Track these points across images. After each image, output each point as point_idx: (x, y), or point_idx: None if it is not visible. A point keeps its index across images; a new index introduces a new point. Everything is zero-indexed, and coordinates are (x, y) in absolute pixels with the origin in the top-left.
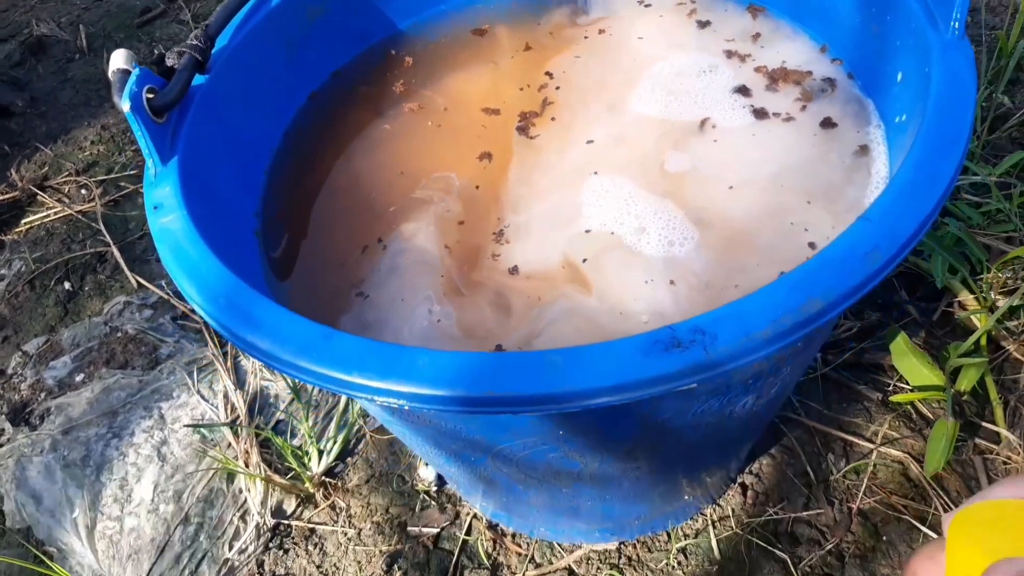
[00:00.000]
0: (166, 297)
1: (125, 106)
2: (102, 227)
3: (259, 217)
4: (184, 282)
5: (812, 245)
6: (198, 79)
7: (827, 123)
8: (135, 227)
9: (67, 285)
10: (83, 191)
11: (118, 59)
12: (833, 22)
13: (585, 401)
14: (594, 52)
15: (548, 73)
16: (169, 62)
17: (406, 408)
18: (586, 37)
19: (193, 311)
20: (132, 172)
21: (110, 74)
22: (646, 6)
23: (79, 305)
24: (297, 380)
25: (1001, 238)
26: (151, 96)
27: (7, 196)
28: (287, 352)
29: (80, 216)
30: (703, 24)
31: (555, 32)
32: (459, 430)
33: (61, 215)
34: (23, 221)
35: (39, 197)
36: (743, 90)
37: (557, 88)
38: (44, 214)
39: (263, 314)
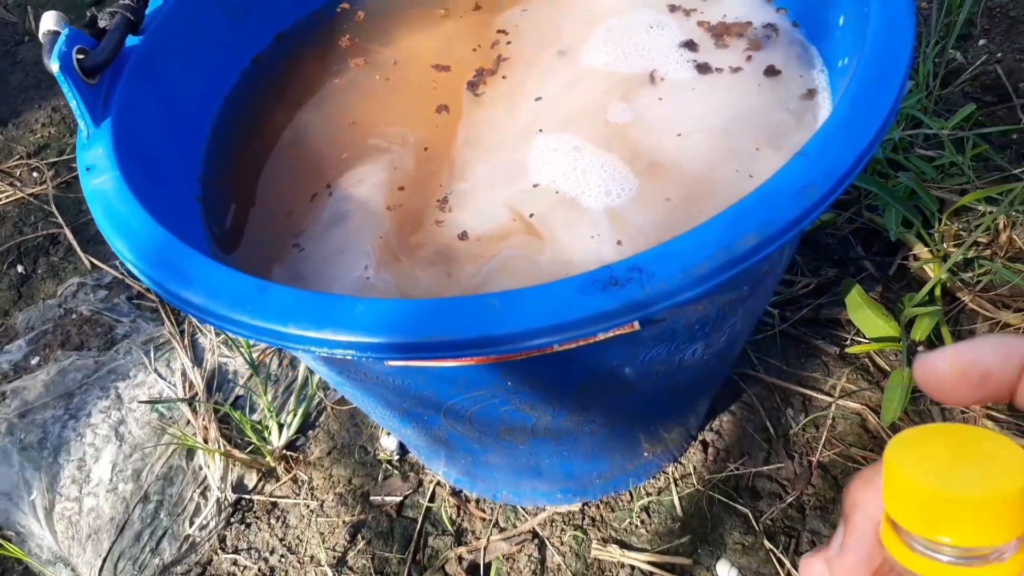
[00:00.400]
0: (120, 277)
1: (54, 67)
2: (54, 209)
3: (201, 183)
4: (116, 241)
5: None
6: (132, 40)
7: (772, 71)
8: (88, 209)
9: (20, 268)
10: (35, 174)
11: (48, 21)
12: None
13: (524, 343)
14: (544, 7)
15: (500, 31)
16: (102, 23)
17: (348, 359)
18: None
19: (148, 291)
20: None
21: (40, 36)
22: None
23: (32, 288)
24: (233, 335)
25: (955, 191)
26: (81, 57)
27: None
28: (221, 306)
29: (32, 199)
30: None
31: None
32: (408, 386)
33: (12, 199)
34: None
35: None
36: (690, 44)
37: (508, 44)
38: None
39: (196, 269)
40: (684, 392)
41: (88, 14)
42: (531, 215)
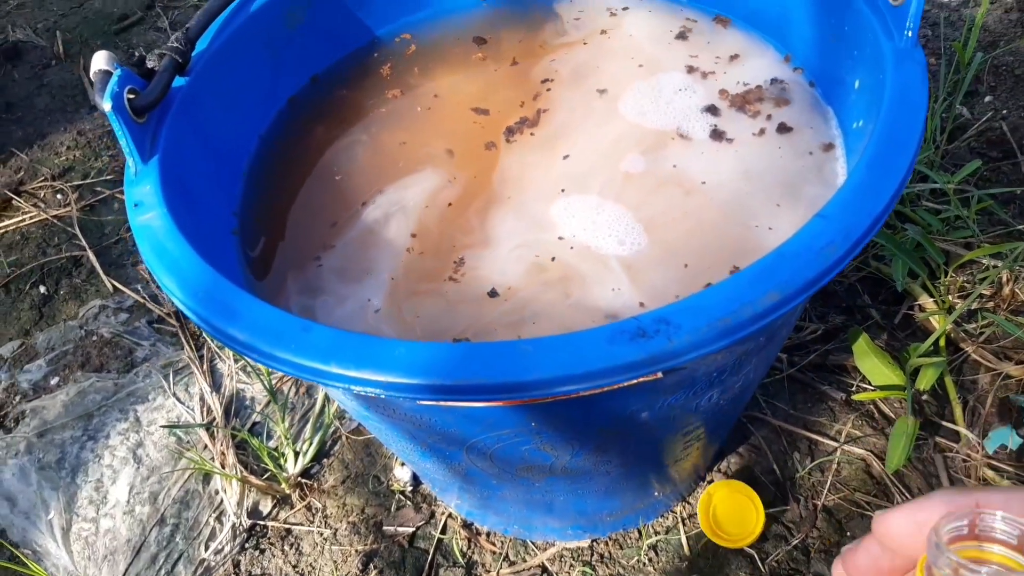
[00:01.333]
0: (142, 301)
1: (107, 106)
2: (78, 231)
3: (237, 216)
4: (164, 277)
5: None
6: (178, 81)
7: (788, 128)
8: (111, 232)
9: (42, 289)
10: (59, 196)
11: (99, 60)
12: (794, 33)
13: (554, 389)
14: (579, 65)
15: (544, 80)
16: (150, 64)
17: (382, 397)
18: (571, 46)
19: (169, 315)
20: (108, 177)
21: (91, 75)
22: (623, 9)
23: (54, 309)
24: (276, 371)
25: (960, 243)
26: (132, 97)
27: None
28: (266, 343)
29: (56, 221)
30: (681, 36)
31: (536, 43)
32: (434, 423)
33: (37, 220)
34: None
35: (14, 202)
36: (712, 109)
37: (548, 90)
38: (20, 219)
39: (242, 307)
40: (697, 435)
41: (136, 54)
42: (551, 262)
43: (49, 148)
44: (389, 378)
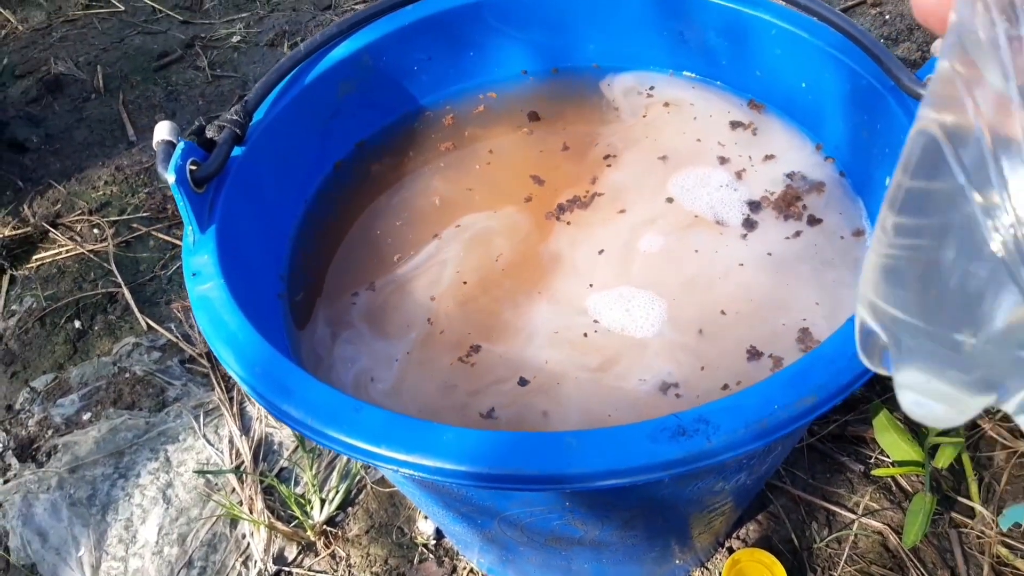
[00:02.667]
0: (175, 340)
1: (171, 178)
2: (113, 267)
3: (284, 281)
4: (222, 350)
5: (802, 338)
6: (235, 150)
7: (816, 220)
8: (146, 269)
9: (77, 324)
10: (95, 230)
11: (163, 131)
12: (827, 124)
13: (596, 482)
14: (630, 146)
15: (606, 156)
16: (209, 134)
17: (428, 480)
18: (623, 127)
19: (201, 355)
20: (145, 214)
21: (155, 144)
22: (660, 93)
23: (88, 344)
24: (327, 448)
25: None
26: (194, 168)
27: (19, 231)
28: (318, 422)
29: (92, 255)
30: (718, 120)
31: (586, 121)
32: (472, 498)
33: (73, 253)
34: (34, 257)
35: (51, 234)
36: (749, 202)
37: (608, 166)
38: (56, 251)
39: (297, 384)
40: (722, 510)
41: (196, 123)
42: (583, 339)
43: (87, 182)
44: (438, 463)
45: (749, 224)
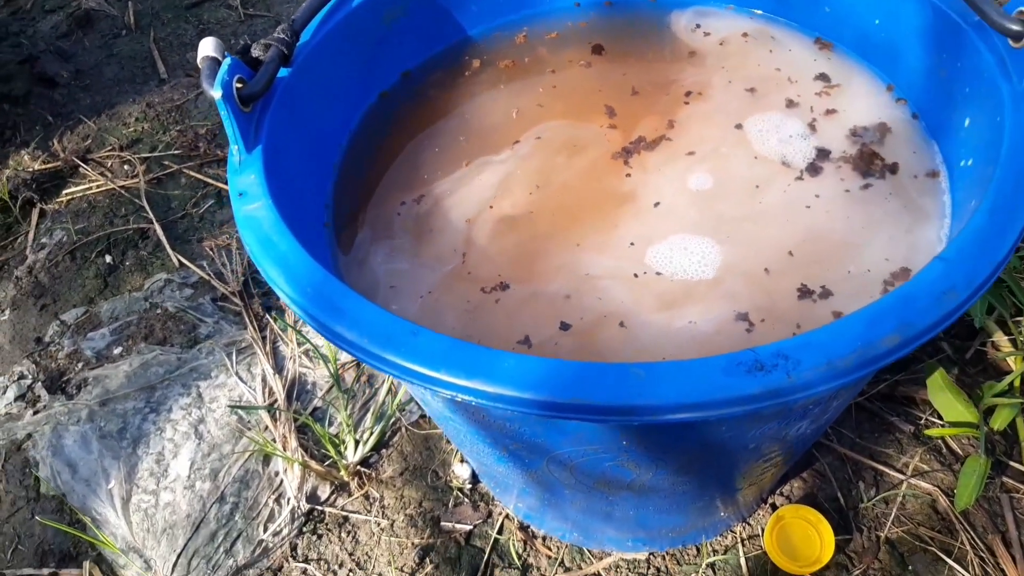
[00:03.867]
0: (207, 278)
1: (216, 93)
2: (145, 204)
3: (329, 209)
4: (271, 270)
5: (878, 279)
6: (281, 72)
7: (887, 164)
8: (177, 206)
9: (108, 258)
10: (126, 166)
11: (207, 47)
12: (901, 63)
13: (665, 416)
14: (695, 90)
15: (687, 92)
16: (255, 53)
17: (484, 406)
18: (692, 65)
19: (233, 294)
20: (176, 152)
21: (199, 61)
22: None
23: (119, 279)
24: (381, 372)
25: None
26: (240, 86)
27: (49, 166)
28: (374, 345)
29: (123, 191)
30: (782, 58)
31: (650, 57)
32: (523, 432)
33: (103, 188)
34: (64, 192)
35: (81, 169)
36: (820, 148)
37: (686, 104)
38: (86, 186)
39: (350, 306)
40: (776, 461)
41: (241, 42)
42: (635, 279)
43: (117, 118)
44: (499, 390)
45: (818, 168)
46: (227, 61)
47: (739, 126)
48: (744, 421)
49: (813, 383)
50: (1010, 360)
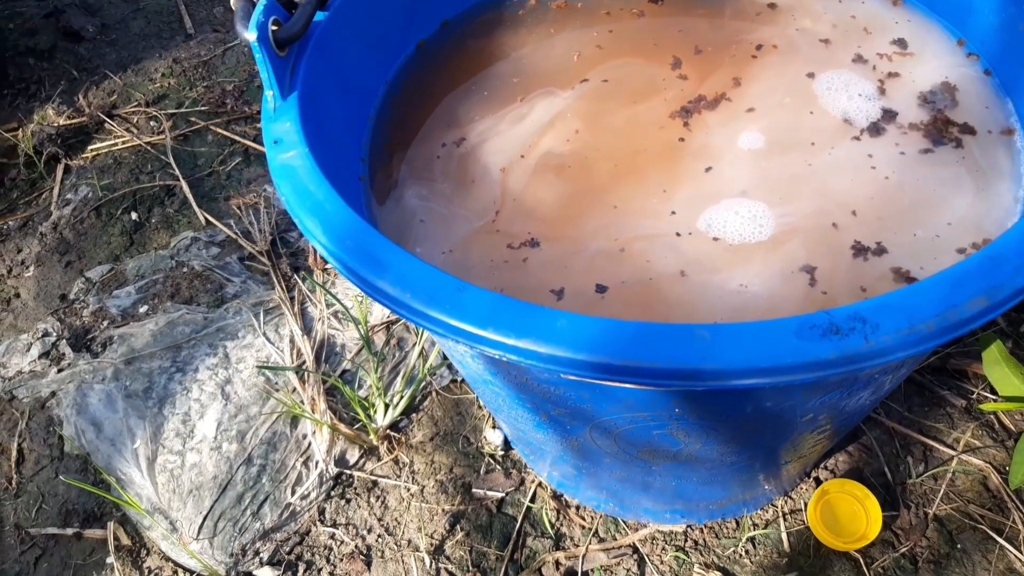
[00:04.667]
0: (234, 236)
1: (251, 36)
2: (171, 160)
3: (365, 163)
4: (308, 220)
5: (963, 248)
6: (317, 15)
7: (962, 125)
8: (203, 164)
9: (134, 215)
10: (152, 123)
11: None
12: (973, 17)
13: (731, 381)
14: (762, 41)
15: (757, 47)
16: None
17: (533, 367)
18: (757, 21)
19: (261, 253)
20: (203, 108)
21: (232, 2)
22: None
23: (145, 236)
24: (425, 330)
25: None
26: (275, 28)
27: (75, 121)
28: (418, 301)
29: (149, 148)
30: (853, 16)
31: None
32: (568, 397)
33: (129, 144)
34: (90, 147)
35: (107, 125)
36: (889, 107)
37: (755, 57)
38: (112, 142)
39: (393, 260)
40: (828, 433)
41: None
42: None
43: (143, 74)
44: (551, 350)
45: (882, 128)
46: (263, 1)
47: (810, 75)
48: (809, 388)
49: (892, 348)
50: None
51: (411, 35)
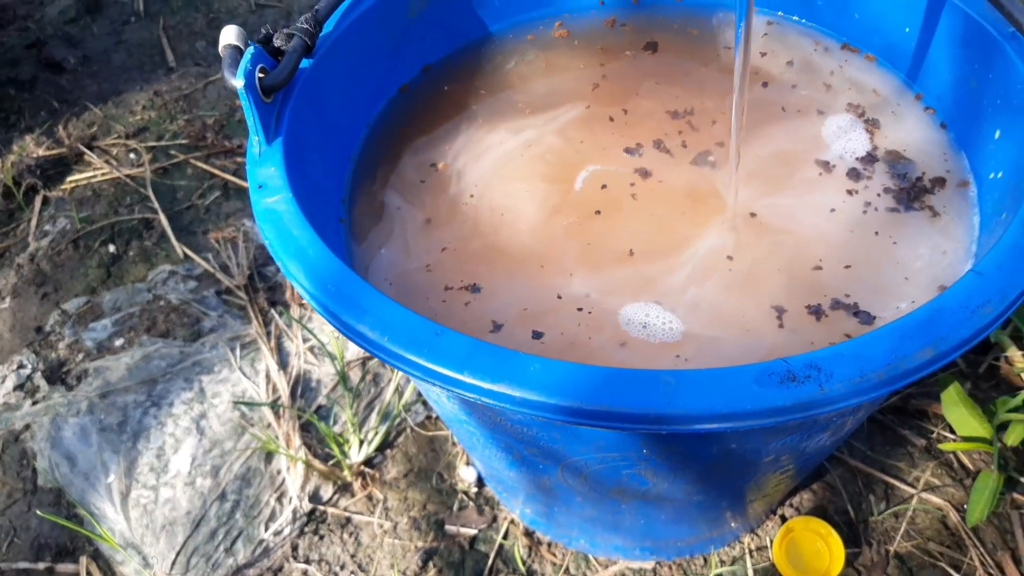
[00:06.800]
0: (211, 270)
1: (239, 83)
2: (150, 193)
3: (345, 204)
4: (291, 264)
5: (905, 291)
6: (303, 62)
7: (918, 177)
8: (183, 197)
9: (111, 248)
10: (132, 155)
11: (230, 35)
12: (930, 73)
13: (696, 425)
14: (719, 90)
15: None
16: (277, 43)
17: (508, 412)
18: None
19: (238, 287)
20: (183, 141)
21: (220, 49)
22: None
23: (122, 269)
24: (403, 373)
25: None
26: (262, 76)
27: (54, 152)
28: (396, 345)
29: (128, 180)
30: (807, 64)
31: (690, 61)
32: (540, 438)
33: (108, 177)
34: (69, 179)
35: (86, 157)
36: (842, 157)
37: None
38: (91, 174)
39: (372, 304)
40: (791, 472)
41: (263, 31)
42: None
43: (124, 106)
44: (525, 394)
45: (841, 176)
46: (250, 50)
47: (759, 135)
48: (769, 432)
49: (845, 395)
50: (1023, 375)
51: (394, 80)
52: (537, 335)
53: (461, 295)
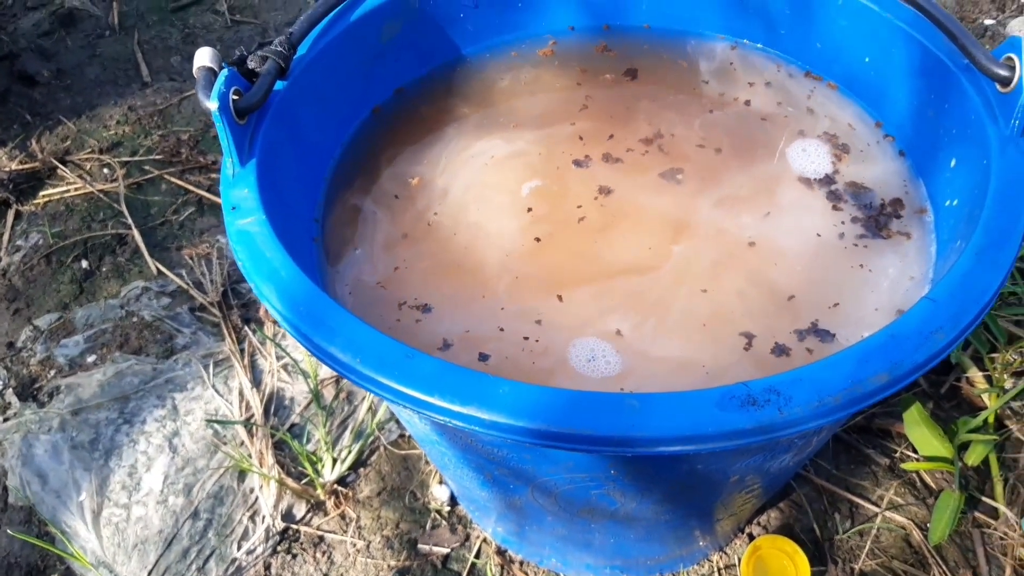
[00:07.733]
0: (185, 287)
1: (213, 105)
2: (124, 208)
3: (319, 224)
4: (263, 285)
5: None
6: (277, 85)
7: (876, 204)
8: (157, 213)
9: (84, 264)
10: (105, 170)
11: (204, 57)
12: (889, 102)
13: (660, 447)
14: (681, 114)
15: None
16: (251, 65)
17: (478, 434)
18: (683, 103)
19: (212, 304)
20: (157, 157)
21: (195, 71)
22: (704, 82)
23: (95, 285)
24: (374, 395)
25: (1011, 320)
26: (236, 98)
27: (27, 166)
28: (367, 367)
29: (101, 195)
30: (771, 86)
31: (647, 89)
32: (510, 458)
33: (82, 192)
34: (42, 193)
35: (59, 171)
36: (804, 181)
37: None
38: (64, 189)
39: (343, 326)
40: (757, 492)
41: (237, 53)
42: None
43: (98, 120)
44: (493, 417)
45: (797, 204)
46: (224, 72)
47: (718, 151)
48: (732, 454)
49: (803, 419)
50: (984, 397)
51: (366, 101)
52: (483, 357)
53: (413, 313)
